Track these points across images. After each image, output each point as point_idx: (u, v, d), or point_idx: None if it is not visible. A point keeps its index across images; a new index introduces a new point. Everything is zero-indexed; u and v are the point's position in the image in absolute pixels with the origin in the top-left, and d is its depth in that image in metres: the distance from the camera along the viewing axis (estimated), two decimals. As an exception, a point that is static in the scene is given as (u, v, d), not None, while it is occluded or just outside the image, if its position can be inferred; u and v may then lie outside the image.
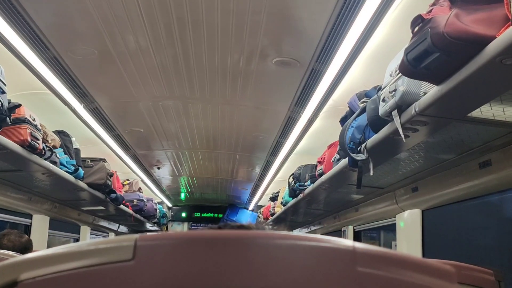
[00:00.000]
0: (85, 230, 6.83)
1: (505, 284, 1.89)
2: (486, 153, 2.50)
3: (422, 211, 3.56)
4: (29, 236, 4.68)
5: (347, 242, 0.47)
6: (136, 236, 0.46)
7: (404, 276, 0.46)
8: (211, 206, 12.22)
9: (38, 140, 3.37)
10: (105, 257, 0.45)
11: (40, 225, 5.08)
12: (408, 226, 3.68)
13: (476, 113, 1.96)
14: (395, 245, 4.06)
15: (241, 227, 0.72)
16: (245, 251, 0.45)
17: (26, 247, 3.09)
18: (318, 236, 0.48)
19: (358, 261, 0.45)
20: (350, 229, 5.35)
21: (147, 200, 8.04)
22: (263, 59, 3.37)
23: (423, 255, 3.51)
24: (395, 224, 3.91)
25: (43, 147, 3.47)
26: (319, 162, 4.23)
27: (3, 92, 2.84)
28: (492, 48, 1.45)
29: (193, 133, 5.52)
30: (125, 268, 0.45)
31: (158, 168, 7.62)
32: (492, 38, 1.47)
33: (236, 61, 3.44)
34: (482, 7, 1.54)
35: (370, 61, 3.18)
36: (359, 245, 0.47)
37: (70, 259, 0.46)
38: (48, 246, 5.38)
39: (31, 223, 4.97)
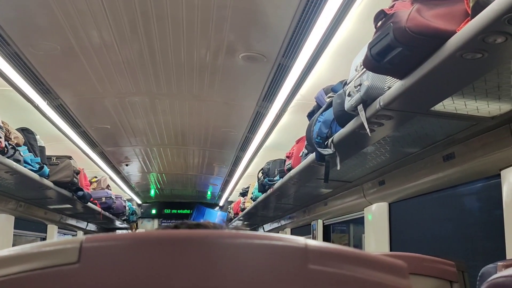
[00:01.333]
0: (52, 229, 6.70)
1: (468, 275, 1.93)
2: (449, 146, 2.54)
3: (389, 204, 3.61)
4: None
5: (300, 239, 0.46)
6: (82, 237, 0.45)
7: (356, 272, 0.45)
8: (182, 203, 12.16)
9: (0, 138, 3.28)
10: (49, 260, 0.43)
11: (4, 224, 4.95)
12: (376, 219, 3.73)
13: (439, 107, 1.98)
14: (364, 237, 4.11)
15: (198, 225, 0.71)
16: (194, 251, 0.44)
17: None
18: (271, 234, 0.47)
19: (310, 259, 0.45)
20: (320, 223, 5.39)
21: (115, 197, 7.94)
22: (230, 54, 3.36)
23: (390, 247, 3.56)
24: (363, 217, 3.95)
25: (5, 145, 3.38)
26: (287, 157, 4.24)
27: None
28: (452, 42, 1.47)
29: (161, 129, 5.48)
30: (70, 272, 0.43)
31: (127, 165, 7.54)
32: (453, 32, 1.48)
33: (202, 56, 3.42)
34: (443, 2, 1.56)
35: (336, 55, 3.19)
36: (311, 242, 0.46)
37: (12, 263, 0.44)
38: (14, 246, 5.26)
39: (-5, 223, 4.85)
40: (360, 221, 4.34)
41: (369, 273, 0.46)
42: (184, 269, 0.43)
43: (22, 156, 3.84)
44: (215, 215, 11.83)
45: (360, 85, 2.13)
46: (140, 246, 0.44)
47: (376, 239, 3.73)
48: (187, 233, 0.45)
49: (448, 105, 1.96)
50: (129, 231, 11.44)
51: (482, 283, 1.45)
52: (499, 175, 2.30)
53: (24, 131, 4.20)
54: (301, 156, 3.66)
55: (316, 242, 0.46)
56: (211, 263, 0.44)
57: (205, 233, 0.46)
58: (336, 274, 0.45)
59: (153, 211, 12.55)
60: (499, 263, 1.48)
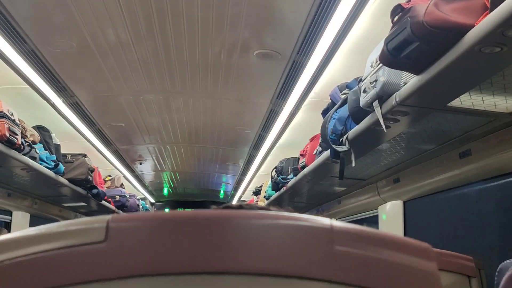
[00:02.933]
0: (66, 226, 6.75)
1: (485, 273, 1.91)
2: (466, 142, 2.51)
3: (404, 202, 3.58)
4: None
5: (325, 220, 0.46)
6: (108, 217, 0.45)
7: (382, 254, 0.45)
8: (195, 201, 12.18)
9: (17, 135, 3.32)
10: (76, 239, 0.44)
11: (20, 222, 5.00)
12: (390, 217, 3.70)
13: (456, 103, 1.97)
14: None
15: (240, 207, 0.72)
16: (220, 231, 0.44)
17: None
18: (296, 214, 0.47)
19: (335, 240, 0.45)
20: (333, 222, 5.36)
21: (129, 196, 7.98)
22: (244, 52, 3.36)
23: (405, 246, 3.53)
24: (377, 215, 3.93)
25: (22, 142, 3.42)
26: (301, 155, 4.23)
27: (-20, 86, 2.79)
28: (470, 36, 1.46)
29: (175, 127, 5.50)
30: (97, 250, 0.43)
31: (140, 163, 7.57)
32: (471, 26, 1.47)
33: (217, 54, 3.43)
34: (461, -5, 1.55)
35: (351, 52, 3.18)
36: (337, 223, 0.46)
37: (40, 241, 0.44)
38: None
39: (11, 220, 4.89)
40: (373, 220, 4.31)
41: (394, 255, 0.46)
42: (209, 249, 0.43)
43: (37, 153, 3.87)
44: None
45: (376, 81, 2.12)
46: (165, 226, 0.44)
47: (390, 238, 3.70)
48: (212, 214, 0.45)
49: (465, 100, 1.95)
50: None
51: (500, 278, 1.43)
52: (517, 172, 2.27)
53: (40, 128, 4.25)
54: (315, 154, 3.65)
55: (342, 223, 0.46)
56: (236, 243, 0.44)
57: (230, 213, 0.46)
58: (361, 256, 0.44)
59: (166, 210, 12.58)
60: (518, 259, 1.47)
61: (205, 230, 0.44)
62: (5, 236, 0.47)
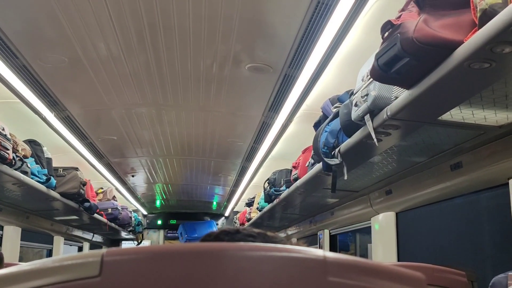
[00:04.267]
0: (58, 240, 6.71)
1: (478, 284, 1.92)
2: (457, 155, 2.53)
3: (396, 214, 3.59)
4: (0, 248, 4.59)
5: (318, 252, 0.46)
6: (103, 251, 0.45)
7: (375, 285, 0.45)
8: (187, 213, 12.14)
9: (8, 150, 3.30)
10: (70, 274, 0.44)
11: (11, 236, 4.96)
12: (383, 228, 3.71)
13: (446, 116, 1.98)
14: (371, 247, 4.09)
15: (237, 232, 0.68)
16: (215, 264, 0.44)
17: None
18: (289, 246, 0.48)
19: (329, 271, 0.45)
20: (326, 233, 5.37)
21: (121, 208, 7.95)
22: (236, 65, 3.37)
23: (398, 257, 3.54)
24: (370, 227, 3.94)
25: (13, 157, 3.40)
26: (294, 167, 4.24)
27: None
28: (460, 52, 1.47)
29: (168, 140, 5.49)
30: (92, 285, 0.43)
31: (133, 176, 7.55)
32: (460, 42, 1.49)
33: (209, 67, 3.43)
34: (450, 12, 1.57)
35: (342, 65, 3.20)
36: (330, 254, 0.46)
37: (35, 277, 0.44)
38: (20, 258, 5.28)
39: (2, 235, 4.86)
40: (365, 231, 4.32)
41: (388, 285, 0.46)
42: (204, 282, 0.43)
43: (29, 167, 3.85)
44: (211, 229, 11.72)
45: (367, 95, 2.14)
46: (160, 259, 0.45)
47: (383, 249, 3.71)
48: (207, 246, 0.46)
49: (456, 114, 1.96)
50: (135, 242, 11.46)
51: (493, 293, 1.44)
52: (507, 184, 2.29)
53: (31, 142, 4.23)
54: (307, 166, 3.66)
55: (335, 254, 0.47)
56: (230, 275, 0.44)
57: (225, 246, 0.46)
58: (355, 287, 0.45)
59: (159, 222, 12.54)
60: (510, 273, 1.48)
61: (200, 263, 0.44)
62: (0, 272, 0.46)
